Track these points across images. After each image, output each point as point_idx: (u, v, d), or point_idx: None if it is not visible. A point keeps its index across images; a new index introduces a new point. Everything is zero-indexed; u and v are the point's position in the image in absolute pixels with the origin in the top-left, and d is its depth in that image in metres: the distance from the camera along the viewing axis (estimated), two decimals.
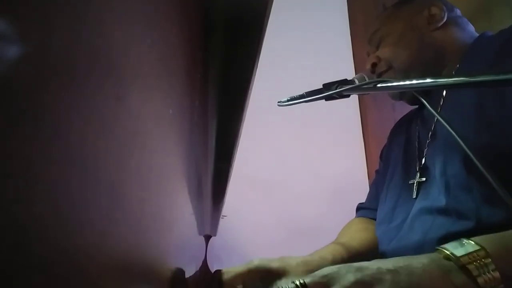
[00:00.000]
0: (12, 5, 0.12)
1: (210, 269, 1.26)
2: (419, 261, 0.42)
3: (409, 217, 0.71)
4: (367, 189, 1.74)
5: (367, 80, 0.68)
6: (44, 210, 0.15)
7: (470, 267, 0.39)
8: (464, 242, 0.42)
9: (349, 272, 0.40)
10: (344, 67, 1.82)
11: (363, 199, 1.62)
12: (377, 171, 1.06)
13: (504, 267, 0.39)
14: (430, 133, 0.75)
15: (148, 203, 0.33)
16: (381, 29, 0.89)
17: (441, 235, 0.61)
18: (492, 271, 0.39)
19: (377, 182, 1.00)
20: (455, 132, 0.42)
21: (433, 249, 0.58)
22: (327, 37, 1.90)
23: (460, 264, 0.40)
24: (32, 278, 0.14)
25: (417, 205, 0.70)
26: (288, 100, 0.69)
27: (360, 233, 0.86)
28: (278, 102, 0.71)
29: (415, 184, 0.73)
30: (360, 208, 1.04)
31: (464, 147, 0.41)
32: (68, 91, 0.16)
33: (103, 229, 0.21)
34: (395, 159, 0.89)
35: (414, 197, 0.72)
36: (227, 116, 0.61)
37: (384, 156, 1.01)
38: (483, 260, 0.39)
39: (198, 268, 1.19)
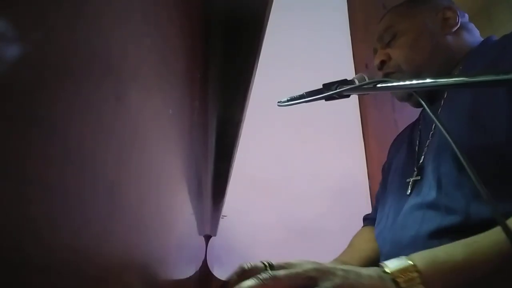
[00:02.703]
0: (11, 5, 0.12)
1: (210, 269, 1.26)
2: (366, 270, 0.50)
3: (401, 213, 0.72)
4: (367, 189, 1.75)
5: (367, 80, 0.68)
6: (43, 210, 0.15)
7: (399, 280, 0.47)
8: (401, 259, 0.50)
9: (309, 263, 0.48)
10: (344, 67, 1.82)
11: (363, 199, 1.62)
12: (380, 183, 1.06)
13: (429, 280, 0.47)
14: (431, 133, 0.76)
15: (148, 203, 0.33)
16: (395, 27, 0.87)
17: (433, 230, 0.62)
18: (417, 284, 0.47)
19: (380, 193, 1.00)
20: (446, 131, 0.43)
21: (425, 244, 0.60)
22: (327, 37, 1.90)
23: (393, 277, 0.48)
24: (32, 278, 0.14)
25: (409, 202, 0.71)
26: (288, 100, 0.69)
27: (370, 247, 0.87)
28: (278, 102, 0.71)
29: (410, 182, 0.74)
30: (366, 218, 1.05)
31: (455, 148, 0.41)
32: (67, 91, 0.16)
33: (103, 229, 0.21)
34: (397, 163, 0.89)
35: (408, 194, 0.73)
36: (227, 116, 0.61)
37: (386, 167, 1.01)
38: (410, 274, 0.47)
39: (198, 268, 1.19)
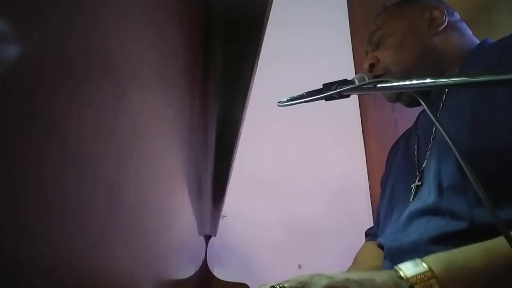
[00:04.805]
0: (11, 5, 0.12)
1: (210, 269, 1.26)
2: (380, 277, 0.48)
3: (403, 219, 0.71)
4: (367, 189, 1.75)
5: (367, 80, 0.68)
6: (42, 210, 0.15)
7: (417, 286, 0.46)
8: (417, 263, 0.48)
9: (322, 279, 0.46)
10: (344, 67, 1.82)
11: (363, 199, 1.62)
12: (379, 196, 1.05)
13: (447, 285, 0.46)
14: (432, 136, 0.75)
15: (148, 203, 0.33)
16: (382, 29, 0.87)
17: (436, 235, 0.61)
18: None
19: (380, 206, 0.99)
20: (447, 135, 0.42)
21: (428, 249, 0.60)
22: (327, 37, 1.90)
23: (409, 284, 0.46)
24: (32, 278, 0.14)
25: (410, 208, 0.71)
26: (288, 100, 0.69)
27: (378, 264, 0.86)
28: (278, 102, 0.70)
29: (413, 188, 0.73)
30: (369, 234, 1.02)
31: (457, 154, 0.41)
32: (67, 91, 0.16)
33: (103, 229, 0.21)
34: (396, 172, 0.88)
35: (411, 200, 0.73)
36: (227, 116, 0.61)
37: (384, 179, 0.99)
38: (429, 280, 0.46)
39: (198, 268, 1.19)
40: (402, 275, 0.47)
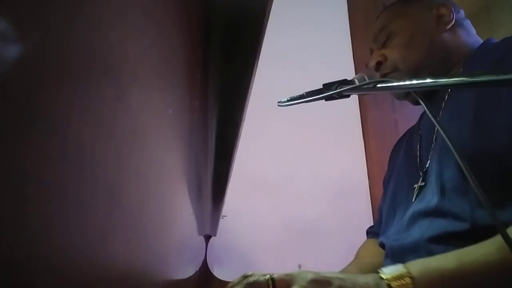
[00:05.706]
0: (11, 5, 0.12)
1: (210, 269, 1.26)
2: (363, 277, 0.53)
3: (405, 220, 0.71)
4: (367, 189, 1.75)
5: (367, 80, 0.68)
6: (42, 210, 0.15)
7: (394, 285, 0.50)
8: (398, 266, 0.53)
9: (308, 273, 0.50)
10: (344, 67, 1.82)
11: (363, 199, 1.62)
12: (382, 196, 1.05)
13: (421, 285, 0.50)
14: (434, 136, 0.75)
15: (147, 203, 0.33)
16: (389, 27, 0.86)
17: (436, 235, 0.62)
18: None
19: (383, 206, 0.98)
20: (448, 137, 0.43)
21: (428, 249, 0.60)
22: (327, 37, 1.90)
23: (387, 282, 0.50)
24: (32, 278, 0.14)
25: (413, 208, 0.71)
26: (288, 100, 0.69)
27: (377, 261, 0.86)
28: (278, 102, 0.70)
29: (416, 188, 0.73)
30: (370, 232, 1.03)
31: (456, 156, 0.41)
32: (67, 91, 0.16)
33: (102, 229, 0.21)
34: (399, 171, 0.88)
35: (413, 201, 0.72)
36: (227, 116, 0.61)
37: (387, 179, 0.99)
38: (404, 279, 0.50)
39: (198, 268, 1.19)
40: (383, 275, 0.52)
